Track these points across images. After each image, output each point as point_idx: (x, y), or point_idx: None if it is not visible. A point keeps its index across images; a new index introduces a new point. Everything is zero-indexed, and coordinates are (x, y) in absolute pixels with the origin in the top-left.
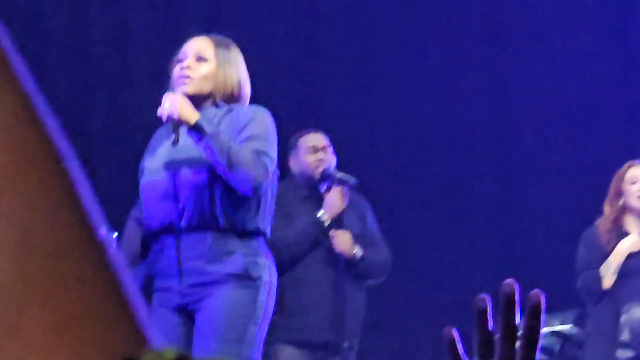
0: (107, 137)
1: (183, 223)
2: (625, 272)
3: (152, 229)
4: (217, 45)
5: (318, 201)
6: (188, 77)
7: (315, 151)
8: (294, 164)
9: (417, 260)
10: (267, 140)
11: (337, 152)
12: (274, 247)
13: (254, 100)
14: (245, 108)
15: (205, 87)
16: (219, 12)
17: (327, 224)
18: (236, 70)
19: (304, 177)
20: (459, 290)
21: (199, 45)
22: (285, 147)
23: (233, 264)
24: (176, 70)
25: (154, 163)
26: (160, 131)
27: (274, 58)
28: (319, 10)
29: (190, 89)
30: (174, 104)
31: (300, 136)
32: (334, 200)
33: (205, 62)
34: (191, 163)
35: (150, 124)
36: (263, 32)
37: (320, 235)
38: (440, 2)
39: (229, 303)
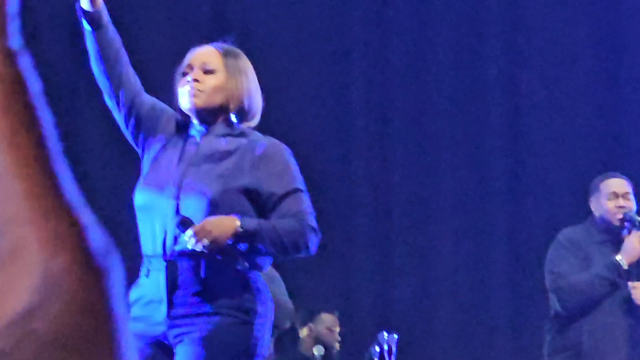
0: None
1: (178, 248)
2: None
3: (147, 253)
4: (225, 54)
5: (617, 246)
6: (197, 90)
7: (615, 197)
8: (594, 207)
9: None
10: (303, 192)
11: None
12: (569, 290)
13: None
14: (263, 141)
15: (216, 100)
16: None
17: (624, 268)
18: (247, 81)
19: (603, 221)
20: None
21: (205, 56)
22: None
23: (227, 296)
24: (182, 84)
25: (157, 180)
26: (165, 142)
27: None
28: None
29: (201, 102)
30: (208, 234)
31: (603, 180)
32: (633, 245)
33: (213, 74)
34: (195, 187)
35: None
36: None
37: (617, 280)
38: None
39: (219, 339)
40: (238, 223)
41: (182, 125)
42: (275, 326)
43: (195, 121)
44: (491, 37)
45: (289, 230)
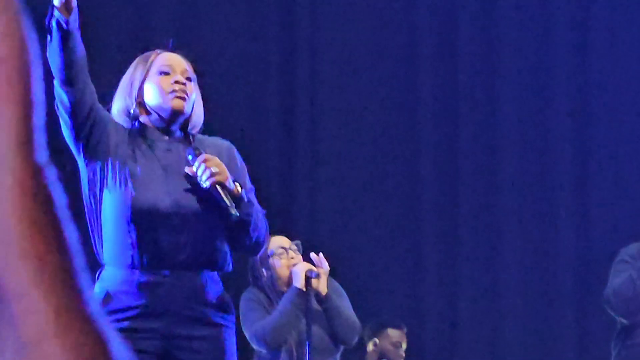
0: None
1: (181, 257)
2: None
3: (142, 261)
4: (191, 66)
5: None
6: (186, 95)
7: None
8: None
9: None
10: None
11: None
12: (614, 294)
13: None
14: (218, 141)
15: (190, 109)
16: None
17: None
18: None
19: None
20: None
21: (184, 63)
22: None
23: (224, 307)
24: (165, 83)
25: (153, 187)
26: (128, 150)
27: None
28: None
29: (187, 108)
30: (222, 170)
31: None
32: None
33: (190, 83)
34: (191, 195)
35: None
36: None
37: None
38: None
39: (230, 348)
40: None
41: (136, 131)
42: (342, 342)
43: (157, 124)
44: (559, 41)
45: (260, 213)
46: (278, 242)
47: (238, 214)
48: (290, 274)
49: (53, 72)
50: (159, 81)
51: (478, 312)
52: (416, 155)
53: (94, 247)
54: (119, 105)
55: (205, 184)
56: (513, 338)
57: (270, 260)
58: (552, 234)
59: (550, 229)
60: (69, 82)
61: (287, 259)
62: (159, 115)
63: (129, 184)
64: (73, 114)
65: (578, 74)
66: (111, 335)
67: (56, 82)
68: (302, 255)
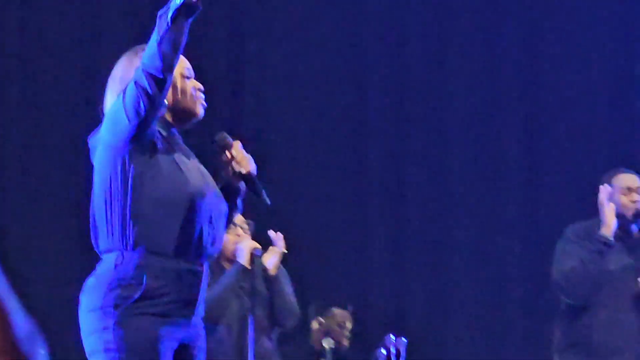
0: None
1: (213, 250)
2: None
3: (187, 250)
4: None
5: (628, 239)
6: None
7: (629, 191)
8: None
9: None
10: None
11: None
12: (566, 277)
13: None
14: None
15: None
16: None
17: (610, 239)
18: None
19: (617, 215)
20: None
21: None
22: None
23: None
24: (194, 89)
25: (198, 179)
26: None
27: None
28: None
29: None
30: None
31: (615, 175)
32: (606, 215)
33: None
34: (215, 187)
35: None
36: None
37: (604, 250)
38: None
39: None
40: None
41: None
42: (280, 324)
43: (174, 126)
44: (507, 39)
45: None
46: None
47: (270, 203)
48: (235, 250)
49: (163, 60)
50: (186, 85)
51: (425, 294)
52: (364, 144)
53: (114, 229)
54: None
55: (246, 169)
56: (461, 318)
57: None
58: (499, 215)
59: (498, 211)
60: (171, 69)
61: (234, 234)
62: (179, 116)
63: (183, 173)
64: (158, 101)
65: (526, 65)
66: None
67: (156, 70)
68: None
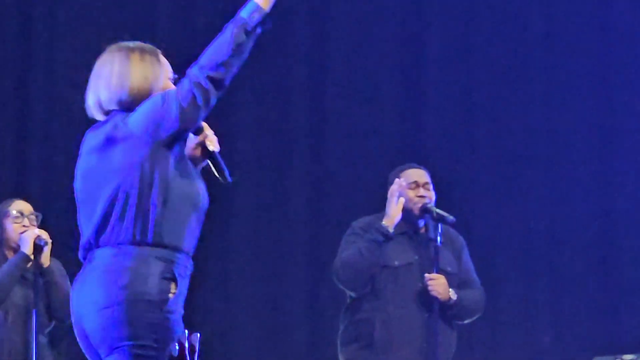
0: None
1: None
2: None
3: (189, 249)
4: None
5: (414, 235)
6: None
7: (417, 186)
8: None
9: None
10: None
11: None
12: (343, 265)
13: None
14: None
15: None
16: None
17: (390, 230)
18: None
19: (403, 210)
20: (550, 332)
21: None
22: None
23: None
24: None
25: (201, 183)
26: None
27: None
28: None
29: None
30: None
31: (403, 170)
32: (392, 206)
33: None
34: None
35: None
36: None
37: (382, 241)
38: None
39: None
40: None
41: None
42: (57, 318)
43: None
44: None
45: None
46: (18, 206)
47: (231, 180)
48: (19, 239)
49: (229, 66)
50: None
51: (211, 287)
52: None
53: (129, 223)
54: (143, 94)
55: (215, 148)
56: (245, 313)
57: (4, 220)
58: (286, 210)
59: (284, 207)
60: (231, 76)
61: (21, 225)
62: None
63: (193, 172)
64: (212, 104)
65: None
66: None
67: (220, 74)
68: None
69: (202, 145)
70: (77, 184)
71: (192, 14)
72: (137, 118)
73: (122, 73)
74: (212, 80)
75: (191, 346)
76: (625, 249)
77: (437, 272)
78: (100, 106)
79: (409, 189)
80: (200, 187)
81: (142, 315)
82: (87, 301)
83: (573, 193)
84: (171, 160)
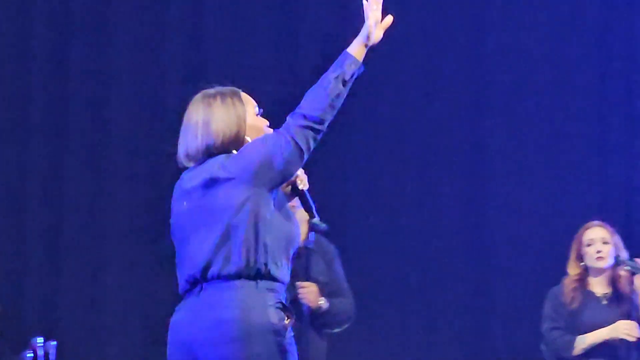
0: None
1: None
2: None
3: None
4: None
5: None
6: None
7: None
8: None
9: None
10: None
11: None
12: None
13: None
14: None
15: None
16: None
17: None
18: None
19: None
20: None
21: None
22: None
23: None
24: (260, 123)
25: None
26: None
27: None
28: None
29: None
30: None
31: None
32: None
33: None
34: None
35: None
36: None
37: None
38: None
39: None
40: None
41: None
42: None
43: None
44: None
45: None
46: None
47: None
48: None
49: (322, 116)
50: (259, 122)
51: (78, 296)
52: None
53: (242, 258)
54: (231, 136)
55: (305, 187)
56: (111, 318)
57: None
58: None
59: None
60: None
61: None
62: None
63: (293, 215)
64: (311, 150)
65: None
66: None
67: (318, 125)
68: None
69: (293, 183)
70: (177, 221)
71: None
72: (240, 164)
73: (206, 121)
74: (311, 129)
75: (45, 354)
76: (497, 246)
77: (308, 280)
78: (189, 156)
79: None
80: (296, 224)
81: (269, 343)
82: (207, 334)
83: (446, 203)
84: (272, 201)
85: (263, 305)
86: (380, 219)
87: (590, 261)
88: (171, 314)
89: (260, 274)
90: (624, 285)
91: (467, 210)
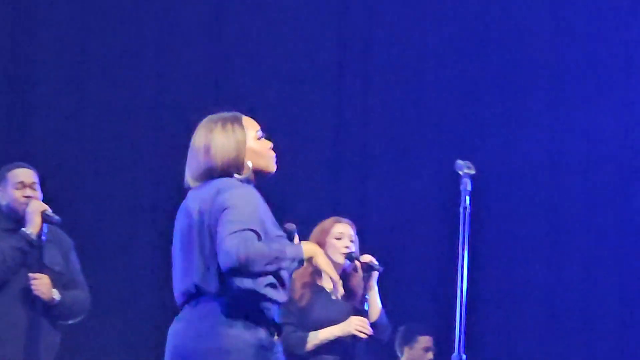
0: None
1: None
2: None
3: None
4: None
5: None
6: None
7: (23, 186)
8: (1, 196)
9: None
10: None
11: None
12: None
13: None
14: None
15: None
16: None
17: (33, 237)
18: None
19: (10, 209)
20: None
21: None
22: None
23: None
24: (268, 147)
25: None
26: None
27: None
28: None
29: None
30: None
31: (10, 170)
32: (32, 217)
33: None
34: None
35: None
36: None
37: (27, 249)
38: None
39: None
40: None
41: None
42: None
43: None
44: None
45: None
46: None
47: None
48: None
49: (263, 272)
50: (262, 144)
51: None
52: None
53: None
54: (229, 160)
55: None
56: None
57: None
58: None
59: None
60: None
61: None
62: (258, 174)
63: None
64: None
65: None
66: None
67: (256, 269)
68: None
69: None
70: (176, 236)
71: None
72: (223, 214)
73: (207, 145)
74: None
75: None
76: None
77: (41, 271)
78: (193, 177)
79: (15, 189)
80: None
81: (258, 357)
82: (198, 345)
83: None
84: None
85: (253, 321)
86: None
87: (335, 256)
88: (171, 322)
89: (249, 292)
90: (355, 281)
91: None
